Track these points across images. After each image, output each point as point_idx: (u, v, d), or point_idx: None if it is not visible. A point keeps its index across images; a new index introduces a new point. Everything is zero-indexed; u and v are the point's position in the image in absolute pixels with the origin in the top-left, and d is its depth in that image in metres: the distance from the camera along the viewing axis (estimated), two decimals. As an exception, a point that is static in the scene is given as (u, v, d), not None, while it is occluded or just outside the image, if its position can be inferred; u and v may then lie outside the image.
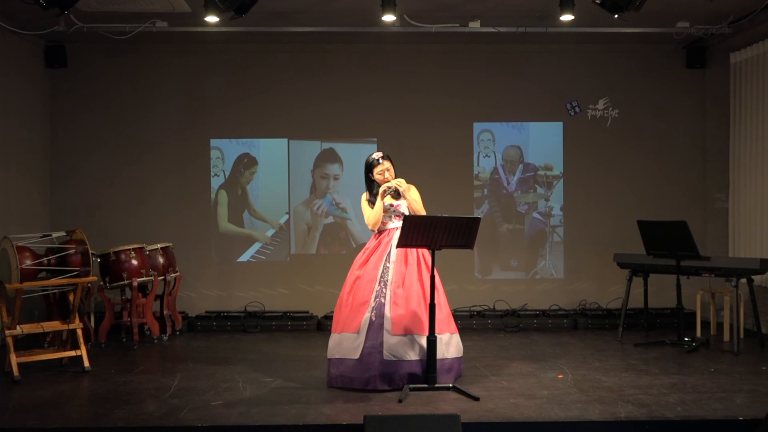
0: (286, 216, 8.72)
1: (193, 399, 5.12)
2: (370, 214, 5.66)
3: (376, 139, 8.66)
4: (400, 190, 5.64)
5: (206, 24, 7.18)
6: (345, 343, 5.42)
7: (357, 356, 5.35)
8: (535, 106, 8.75)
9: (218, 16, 6.36)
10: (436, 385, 5.25)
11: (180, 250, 8.15)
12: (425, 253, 5.54)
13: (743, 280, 6.84)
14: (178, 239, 8.28)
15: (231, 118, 8.67)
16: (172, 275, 7.78)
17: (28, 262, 6.01)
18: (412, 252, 5.57)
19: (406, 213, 5.62)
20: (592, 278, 8.71)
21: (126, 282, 7.25)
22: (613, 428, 4.55)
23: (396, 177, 5.71)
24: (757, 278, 7.15)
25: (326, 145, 8.75)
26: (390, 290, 5.44)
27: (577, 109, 8.73)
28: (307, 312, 8.44)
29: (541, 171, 8.80)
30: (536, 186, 8.80)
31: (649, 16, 7.11)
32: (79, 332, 6.10)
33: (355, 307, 5.45)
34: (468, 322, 8.18)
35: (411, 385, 5.24)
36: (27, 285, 5.95)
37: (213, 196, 8.70)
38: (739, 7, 7.22)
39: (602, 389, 5.33)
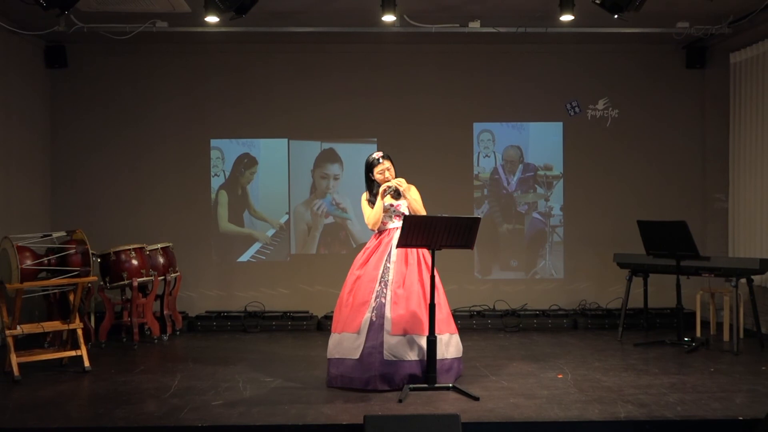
0: (286, 216, 8.73)
1: (194, 399, 5.12)
2: (370, 214, 5.66)
3: (376, 140, 8.67)
4: (401, 189, 5.64)
5: (206, 24, 7.19)
6: (345, 343, 5.43)
7: (357, 356, 5.35)
8: (535, 106, 8.76)
9: (218, 16, 6.36)
10: (436, 385, 5.26)
11: (180, 250, 8.15)
12: (425, 253, 5.55)
13: (743, 280, 6.84)
14: (179, 239, 8.28)
15: (231, 118, 8.68)
16: (173, 275, 7.79)
17: (29, 262, 6.01)
18: (413, 252, 5.57)
19: (407, 213, 5.62)
20: (592, 278, 8.72)
21: (126, 282, 7.25)
22: (612, 428, 4.55)
23: (396, 177, 5.72)
24: (756, 278, 7.16)
25: (326, 146, 8.75)
26: (390, 290, 5.44)
27: (577, 109, 8.73)
28: (307, 312, 8.45)
29: (541, 171, 8.80)
30: (536, 186, 8.81)
31: (649, 16, 7.12)
32: (80, 332, 6.10)
33: (356, 307, 5.46)
34: (468, 322, 8.19)
35: (411, 385, 5.24)
36: (27, 285, 5.95)
37: (213, 196, 8.71)
38: (739, 8, 7.22)
39: (602, 389, 5.34)
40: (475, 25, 7.63)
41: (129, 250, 7.31)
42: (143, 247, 7.45)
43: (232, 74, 8.67)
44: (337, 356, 5.47)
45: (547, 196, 8.80)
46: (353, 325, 5.42)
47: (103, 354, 6.85)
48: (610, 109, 8.76)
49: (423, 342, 5.32)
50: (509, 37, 7.92)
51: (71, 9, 6.26)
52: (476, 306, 8.59)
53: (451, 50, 8.61)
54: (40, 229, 7.65)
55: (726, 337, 7.28)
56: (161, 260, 7.64)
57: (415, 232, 5.19)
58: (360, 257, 5.69)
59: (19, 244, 6.01)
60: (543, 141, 8.80)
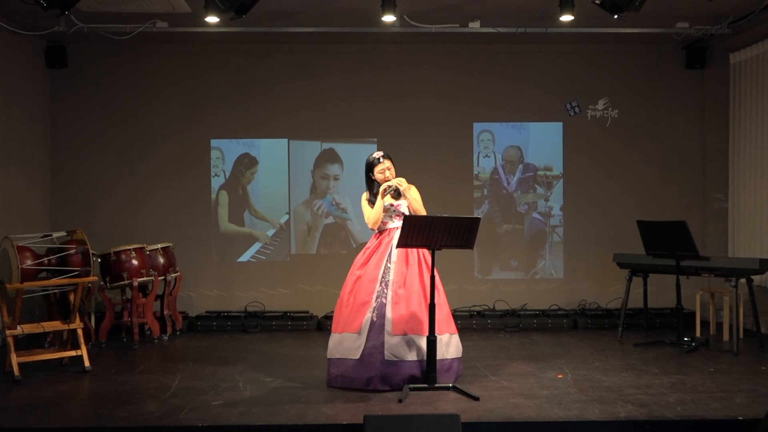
0: (287, 216, 8.73)
1: (194, 399, 5.12)
2: (370, 213, 5.66)
3: (376, 140, 8.67)
4: (401, 189, 5.64)
5: (206, 24, 7.20)
6: (346, 343, 5.43)
7: (358, 356, 5.35)
8: (534, 107, 8.76)
9: (218, 16, 6.36)
10: (436, 385, 5.26)
11: (180, 250, 8.16)
12: (426, 253, 5.54)
13: (743, 280, 6.84)
14: (179, 239, 8.28)
15: (231, 119, 8.68)
16: (173, 275, 7.79)
17: (29, 262, 6.02)
18: (413, 252, 5.57)
19: (407, 213, 5.62)
20: (592, 278, 8.72)
21: (126, 282, 7.26)
22: (612, 428, 4.55)
23: (396, 177, 5.72)
24: (756, 278, 7.16)
25: (326, 146, 8.76)
26: (391, 290, 5.44)
27: (576, 109, 8.74)
28: (308, 312, 8.45)
29: (540, 171, 8.81)
30: (536, 186, 8.81)
31: (649, 16, 7.12)
32: (80, 332, 6.10)
33: (356, 307, 5.46)
34: (468, 322, 8.19)
35: (411, 385, 5.24)
36: (27, 285, 5.96)
37: (214, 196, 8.71)
38: (739, 8, 7.22)
39: (602, 389, 5.34)
40: (475, 26, 7.63)
41: (129, 250, 7.31)
42: (143, 247, 7.46)
43: (232, 74, 8.67)
44: (337, 356, 5.47)
45: (547, 196, 8.81)
46: (354, 325, 5.42)
47: (103, 354, 6.85)
48: (610, 109, 8.76)
49: (423, 342, 5.32)
50: (509, 37, 7.92)
51: (71, 9, 6.26)
52: (476, 306, 8.59)
53: (451, 50, 8.61)
54: (40, 229, 7.66)
55: (726, 337, 7.28)
56: (161, 260, 7.64)
57: (415, 232, 5.19)
58: (360, 257, 5.69)
59: (20, 244, 6.02)
60: (543, 141, 8.80)
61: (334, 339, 5.56)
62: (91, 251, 6.31)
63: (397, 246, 5.34)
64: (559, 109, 8.77)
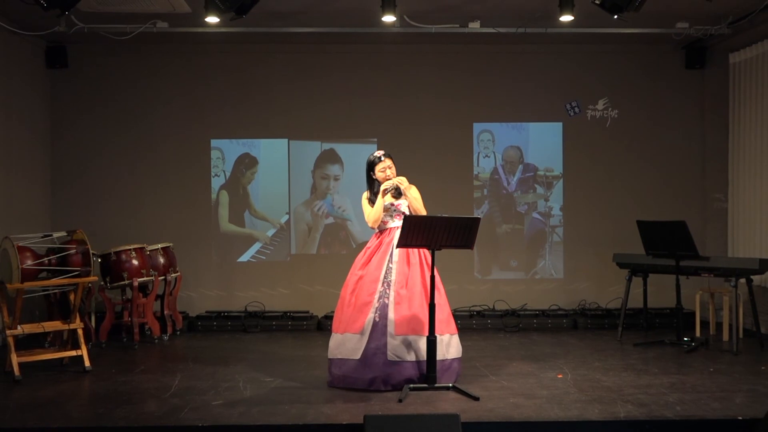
0: (287, 216, 8.74)
1: (194, 399, 5.13)
2: (371, 212, 5.66)
3: (376, 140, 8.68)
4: (402, 188, 5.64)
5: (207, 25, 7.21)
6: (348, 344, 5.42)
7: (360, 357, 5.35)
8: (534, 107, 8.76)
9: (219, 16, 6.37)
10: (436, 385, 5.26)
11: (180, 250, 8.16)
12: (427, 253, 5.54)
13: (742, 280, 6.84)
14: (179, 239, 8.29)
15: (231, 119, 8.69)
16: (173, 275, 7.80)
17: (29, 262, 6.02)
18: (414, 252, 5.57)
19: (407, 212, 5.62)
20: (592, 278, 8.73)
21: (127, 282, 7.26)
22: (612, 428, 4.56)
23: (397, 176, 5.72)
24: (756, 278, 7.16)
25: (326, 146, 8.76)
26: (393, 291, 5.43)
27: (576, 109, 8.74)
28: (308, 312, 8.45)
29: (540, 171, 8.81)
30: (536, 186, 8.81)
31: (649, 16, 7.13)
32: (80, 332, 6.11)
33: (358, 308, 5.45)
34: (468, 322, 8.19)
35: (411, 385, 5.25)
36: (28, 285, 5.96)
37: (214, 196, 8.72)
38: (739, 8, 7.23)
39: (602, 389, 5.35)
40: (475, 26, 7.64)
41: (129, 250, 7.32)
42: (144, 247, 7.46)
43: (232, 74, 8.68)
44: (339, 357, 5.46)
45: (546, 197, 8.81)
46: (356, 325, 5.42)
47: (103, 354, 6.85)
48: (610, 109, 8.76)
49: (425, 343, 5.32)
50: (509, 37, 7.92)
51: (72, 9, 6.26)
52: (476, 306, 8.60)
53: (451, 50, 8.62)
54: (40, 229, 7.66)
55: (725, 337, 7.28)
56: (162, 260, 7.65)
57: (415, 232, 5.20)
58: (361, 257, 5.68)
59: (20, 244, 6.02)
60: (543, 141, 8.81)
61: (335, 339, 5.56)
62: (91, 251, 6.31)
63: (397, 246, 5.34)
64: (559, 110, 8.77)
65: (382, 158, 5.71)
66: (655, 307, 8.28)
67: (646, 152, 8.77)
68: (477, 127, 8.80)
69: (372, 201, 5.71)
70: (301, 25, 7.77)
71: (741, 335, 7.19)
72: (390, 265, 5.52)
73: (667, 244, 6.91)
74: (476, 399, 5.04)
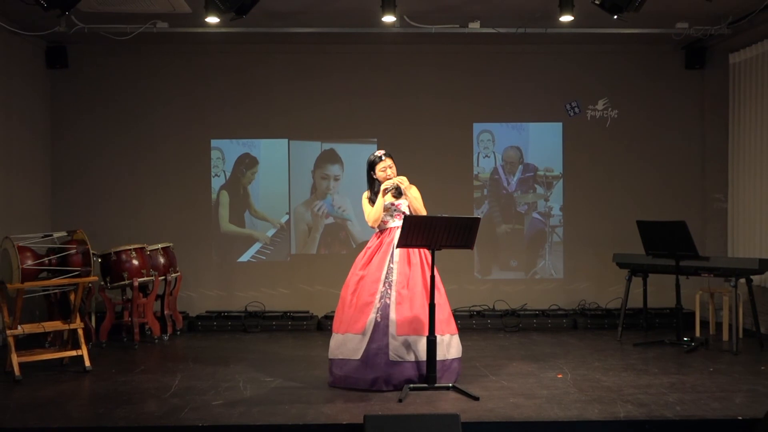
0: (287, 216, 8.74)
1: (194, 399, 5.13)
2: (371, 212, 5.66)
3: (376, 140, 8.68)
4: (402, 187, 5.64)
5: (207, 25, 7.21)
6: (349, 344, 5.42)
7: (361, 357, 5.34)
8: (534, 107, 8.77)
9: (219, 17, 6.37)
10: (436, 385, 5.26)
11: (181, 250, 8.16)
12: (427, 253, 5.54)
13: (742, 280, 6.85)
14: (179, 239, 8.29)
15: (231, 119, 8.69)
16: (173, 275, 7.80)
17: (30, 262, 6.02)
18: (415, 252, 5.57)
19: (407, 212, 5.63)
20: (592, 278, 8.73)
21: (127, 282, 7.26)
22: (612, 428, 4.56)
23: (397, 176, 5.72)
24: (756, 278, 7.17)
25: (327, 146, 8.76)
26: (395, 291, 5.43)
27: (576, 109, 8.75)
28: (308, 312, 8.45)
29: (540, 171, 8.82)
30: (536, 186, 8.82)
31: (649, 16, 7.13)
32: (80, 332, 6.11)
33: (360, 308, 5.45)
34: (468, 322, 8.20)
35: (411, 385, 5.25)
36: (28, 285, 5.96)
37: (214, 196, 8.72)
38: (738, 8, 7.23)
39: (601, 389, 5.35)
40: (474, 26, 7.64)
41: (129, 250, 7.32)
42: (144, 247, 7.47)
43: (232, 75, 8.68)
44: (340, 357, 5.46)
45: (546, 197, 8.81)
46: (357, 326, 5.42)
47: (103, 354, 6.86)
48: (610, 109, 8.77)
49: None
50: (509, 37, 7.92)
51: (72, 9, 6.26)
52: (476, 306, 8.60)
53: (451, 51, 8.62)
54: (40, 229, 7.66)
55: (725, 337, 7.29)
56: (162, 260, 7.65)
57: (414, 232, 5.20)
58: (362, 257, 5.68)
59: (20, 244, 6.02)
60: (543, 141, 8.81)
61: (336, 339, 5.55)
62: (91, 251, 6.32)
63: (398, 246, 5.34)
64: (559, 110, 8.78)
65: (383, 158, 5.72)
66: (655, 307, 8.28)
67: (645, 152, 8.77)
68: (477, 127, 8.80)
69: (372, 200, 5.71)
70: (301, 25, 7.77)
71: (741, 335, 7.18)
72: (391, 265, 5.52)
73: (667, 244, 6.91)
74: (476, 399, 5.04)
